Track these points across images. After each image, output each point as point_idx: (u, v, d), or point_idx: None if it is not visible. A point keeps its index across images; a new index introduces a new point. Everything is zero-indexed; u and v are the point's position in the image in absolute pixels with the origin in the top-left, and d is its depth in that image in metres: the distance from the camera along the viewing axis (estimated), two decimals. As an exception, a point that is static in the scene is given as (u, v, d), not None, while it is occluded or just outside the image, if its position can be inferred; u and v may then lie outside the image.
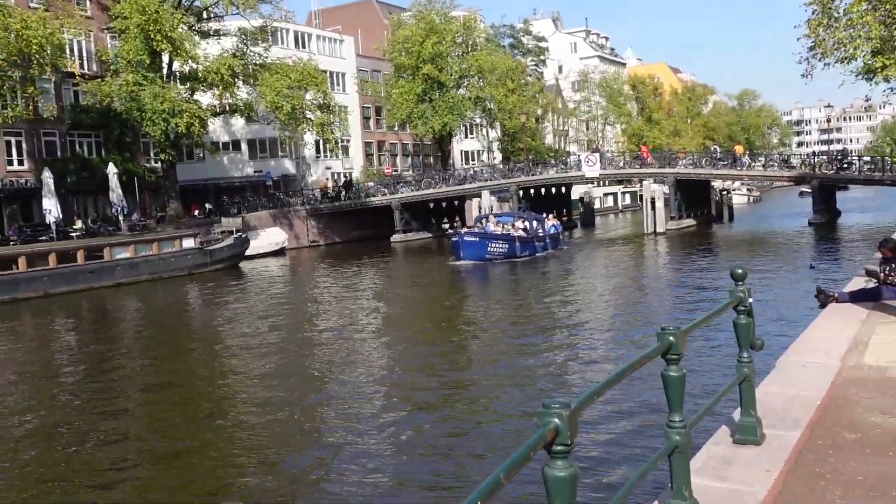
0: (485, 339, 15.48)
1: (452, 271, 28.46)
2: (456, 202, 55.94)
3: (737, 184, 70.76)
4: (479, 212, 47.29)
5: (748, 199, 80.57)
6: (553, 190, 56.07)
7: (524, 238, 31.98)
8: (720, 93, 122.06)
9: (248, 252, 40.17)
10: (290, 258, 43.77)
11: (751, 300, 4.36)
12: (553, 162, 53.28)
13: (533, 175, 49.88)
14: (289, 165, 55.55)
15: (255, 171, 54.05)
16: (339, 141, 52.67)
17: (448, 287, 23.93)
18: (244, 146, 54.59)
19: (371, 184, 53.32)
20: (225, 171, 53.58)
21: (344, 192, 51.63)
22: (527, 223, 32.99)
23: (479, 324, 16.94)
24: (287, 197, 50.88)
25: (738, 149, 49.35)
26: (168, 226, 40.96)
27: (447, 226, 54.85)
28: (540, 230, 33.56)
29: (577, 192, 61.84)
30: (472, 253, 29.84)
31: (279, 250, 45.23)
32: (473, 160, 72.87)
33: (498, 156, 75.60)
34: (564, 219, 55.77)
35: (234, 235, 39.94)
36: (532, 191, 52.39)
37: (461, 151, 72.95)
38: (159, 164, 44.47)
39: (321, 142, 52.87)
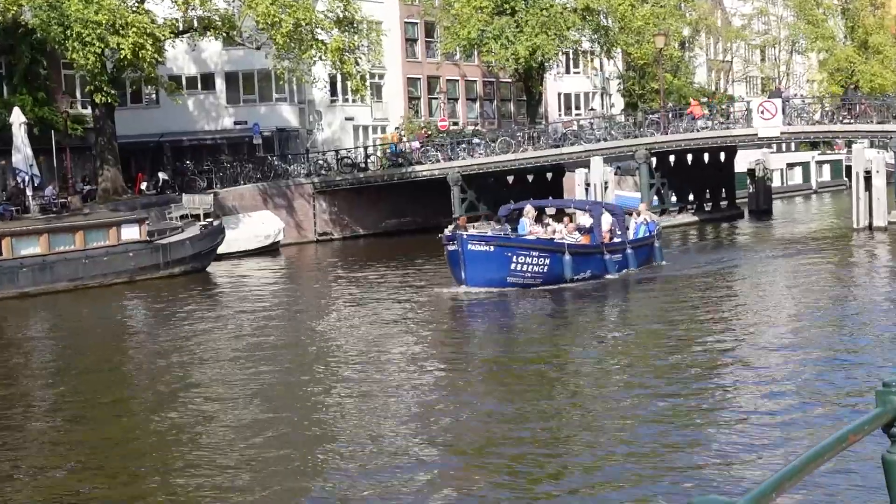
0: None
1: (440, 310, 26.53)
2: (549, 175, 55.70)
3: None
4: (587, 190, 46.98)
5: None
6: (705, 157, 55.36)
7: (581, 249, 29.35)
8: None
9: (222, 248, 40.63)
10: (286, 259, 44.19)
11: None
12: (707, 113, 52.60)
13: (674, 133, 49.34)
14: (288, 115, 56.15)
15: (235, 123, 54.73)
16: (369, 76, 52.88)
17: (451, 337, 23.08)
18: (220, 84, 55.32)
19: (415, 144, 53.42)
20: (190, 121, 54.33)
21: (370, 157, 51.96)
22: (592, 220, 30.28)
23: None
24: (284, 164, 51.42)
25: None
26: (101, 206, 41.47)
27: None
28: (615, 231, 30.93)
29: (743, 162, 60.98)
30: (482, 274, 27.23)
31: (271, 246, 45.74)
32: (578, 109, 72.55)
33: (618, 102, 74.99)
34: (723, 202, 55.08)
35: (202, 223, 40.47)
36: (672, 158, 51.74)
37: (559, 95, 72.74)
38: (90, 111, 45.22)
39: (339, 78, 53.04)
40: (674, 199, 51.63)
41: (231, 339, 22.72)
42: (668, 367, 17.56)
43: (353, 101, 57.25)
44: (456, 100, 66.65)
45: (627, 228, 32.08)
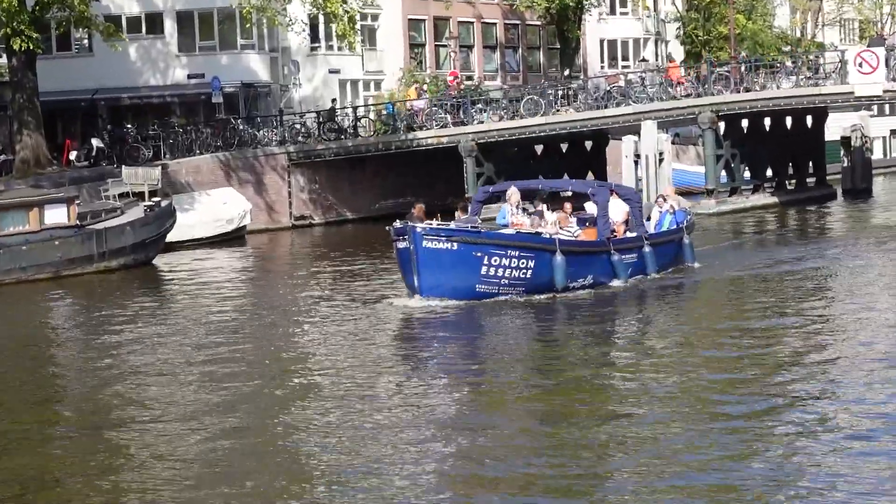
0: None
1: (381, 328, 25.03)
2: (589, 144, 55.28)
3: None
4: (637, 163, 46.61)
5: None
6: (788, 122, 54.91)
7: (579, 247, 28.20)
8: None
9: (172, 235, 40.45)
10: (254, 249, 44.03)
11: None
12: (789, 66, 52.15)
13: (748, 90, 48.95)
14: (256, 66, 55.96)
15: (189, 77, 54.59)
16: (359, 17, 52.47)
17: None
18: (170, 26, 55.13)
19: (418, 104, 53.12)
20: (131, 74, 54.15)
21: (356, 120, 51.96)
22: (598, 207, 28.62)
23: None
24: (252, 128, 51.23)
25: None
26: (18, 181, 41.24)
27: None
28: (633, 224, 29.39)
29: (836, 129, 60.42)
30: (442, 281, 26.02)
31: (235, 232, 45.66)
32: (626, 60, 72.08)
33: (677, 51, 74.52)
34: (810, 179, 54.62)
35: (147, 203, 40.30)
36: (745, 123, 51.29)
37: (601, 42, 72.33)
38: (4, 61, 44.93)
39: (321, 19, 52.64)
40: (747, 174, 51.32)
41: (178, 352, 22.49)
42: (704, 433, 15.87)
43: (340, 48, 56.97)
44: (470, 47, 66.34)
45: (649, 219, 31.01)
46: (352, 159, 51.15)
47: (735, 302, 27.00)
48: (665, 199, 32.40)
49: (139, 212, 38.86)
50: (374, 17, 60.90)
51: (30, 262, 34.85)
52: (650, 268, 29.47)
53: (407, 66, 61.58)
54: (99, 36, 47.34)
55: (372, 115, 53.73)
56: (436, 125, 51.01)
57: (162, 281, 36.04)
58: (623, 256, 28.76)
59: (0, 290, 33.29)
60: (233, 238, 45.07)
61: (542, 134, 50.59)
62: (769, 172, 52.93)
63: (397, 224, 26.46)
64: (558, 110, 50.43)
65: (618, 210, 29.41)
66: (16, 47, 41.56)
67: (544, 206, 29.99)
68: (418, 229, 25.87)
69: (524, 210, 29.14)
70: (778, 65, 54.18)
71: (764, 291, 27.97)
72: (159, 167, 45.31)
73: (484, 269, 26.27)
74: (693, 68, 55.92)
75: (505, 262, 26.52)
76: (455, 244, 26.12)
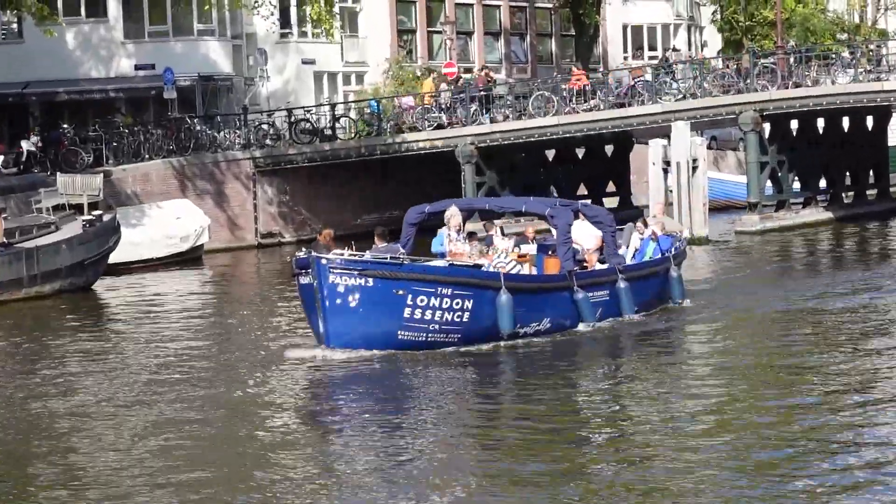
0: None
1: (273, 390, 23.27)
2: (610, 148, 55.34)
3: None
4: (666, 171, 46.56)
5: None
6: (845, 123, 54.99)
7: (531, 283, 27.12)
8: None
9: (116, 256, 40.46)
10: (213, 272, 44.17)
11: None
12: (846, 57, 52.19)
13: (797, 86, 48.99)
14: (216, 55, 56.18)
15: (137, 68, 54.83)
16: (337, -1, 52.62)
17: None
18: (114, 8, 55.30)
19: (407, 102, 53.13)
20: (68, 65, 54.32)
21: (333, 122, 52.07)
22: (557, 232, 27.44)
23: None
24: (211, 129, 51.34)
25: None
26: (-66, 190, 41.25)
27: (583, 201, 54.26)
28: (610, 251, 28.09)
29: (900, 130, 60.61)
30: (353, 327, 24.73)
31: (191, 252, 45.76)
32: (653, 49, 72.15)
33: (713, 40, 74.60)
34: (870, 191, 54.58)
35: (87, 217, 40.25)
36: (794, 124, 51.34)
37: (624, 28, 72.45)
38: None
39: (293, 1, 52.63)
40: (796, 185, 51.35)
41: (117, 394, 22.48)
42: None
43: (315, 35, 56.96)
44: (469, 34, 66.52)
45: (625, 246, 29.83)
46: (329, 166, 51.21)
47: (732, 353, 24.98)
48: (646, 224, 30.78)
49: (77, 227, 38.81)
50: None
51: (-53, 286, 34.88)
52: (626, 308, 27.98)
53: (394, 56, 61.68)
54: (30, 19, 47.22)
55: (353, 115, 53.77)
56: (429, 126, 51.06)
57: (103, 310, 35.97)
58: (590, 294, 27.26)
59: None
60: (188, 259, 45.13)
61: (553, 137, 50.69)
62: (822, 183, 53.03)
63: (300, 255, 24.97)
64: (573, 108, 50.42)
65: (589, 235, 28.44)
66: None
67: (499, 229, 29.36)
68: (323, 261, 24.40)
69: (470, 235, 27.96)
70: (833, 56, 54.12)
71: (776, 337, 26.56)
72: (101, 175, 45.30)
73: (407, 311, 24.78)
74: (733, 59, 55.86)
75: (435, 302, 24.94)
76: (370, 280, 24.64)
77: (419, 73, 59.65)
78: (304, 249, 25.09)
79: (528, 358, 25.15)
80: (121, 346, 28.79)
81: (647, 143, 49.26)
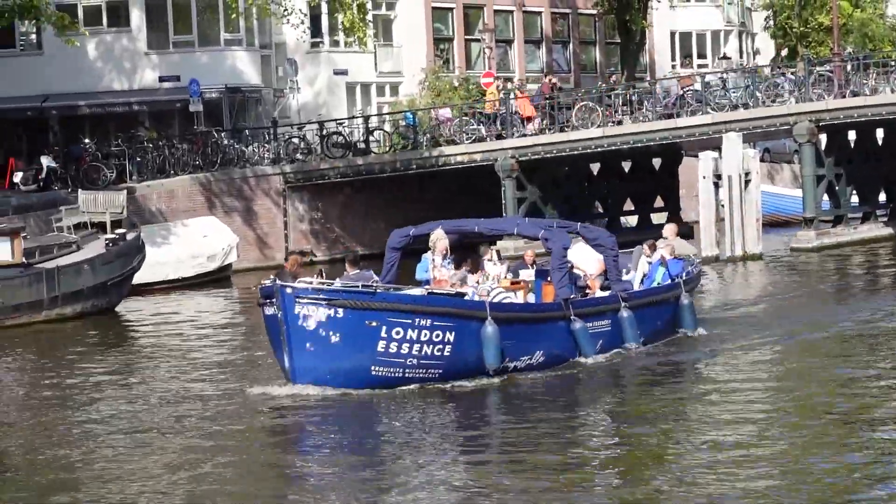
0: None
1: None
2: (658, 162, 55.15)
3: None
4: (717, 185, 46.37)
5: None
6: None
7: (521, 314, 26.01)
8: None
9: (141, 276, 40.61)
10: (241, 293, 43.93)
11: None
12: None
13: (855, 95, 48.74)
14: (245, 66, 56.16)
15: (162, 80, 54.88)
16: (371, 5, 52.59)
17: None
18: (137, 18, 55.38)
19: (445, 114, 53.11)
20: (90, 77, 54.41)
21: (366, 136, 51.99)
22: (553, 255, 26.18)
23: None
24: (239, 143, 51.41)
25: None
26: (-50, 208, 41.38)
27: (631, 216, 54.06)
28: (605, 277, 27.23)
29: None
30: (322, 362, 23.69)
31: (218, 272, 45.83)
32: (703, 57, 71.97)
33: (766, 46, 74.33)
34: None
35: (110, 236, 40.21)
36: (852, 135, 51.10)
37: (672, 35, 72.27)
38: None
39: (324, 8, 52.68)
40: (854, 199, 51.06)
41: (143, 421, 22.51)
42: None
43: (347, 45, 56.86)
44: (509, 42, 66.50)
45: (634, 271, 28.98)
46: (363, 181, 51.35)
47: (748, 388, 23.65)
48: (654, 247, 29.65)
49: (99, 247, 38.85)
50: (390, 6, 61.09)
51: (-37, 308, 34.99)
52: (630, 338, 27.01)
53: (430, 65, 61.63)
54: (50, 29, 47.42)
55: (387, 127, 53.73)
56: (467, 139, 51.01)
57: (127, 332, 36.02)
58: (589, 323, 26.25)
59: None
60: (216, 279, 45.24)
61: (598, 150, 50.57)
62: (882, 197, 52.70)
63: (265, 283, 23.98)
64: (619, 120, 50.32)
65: (591, 260, 27.62)
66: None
67: (494, 253, 28.51)
68: (288, 290, 23.25)
69: (463, 261, 27.05)
70: (892, 63, 53.96)
71: (800, 374, 24.96)
72: (124, 191, 45.38)
73: (382, 344, 23.60)
74: (787, 67, 55.68)
75: (412, 334, 23.76)
76: (340, 310, 23.42)
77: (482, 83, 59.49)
78: (271, 277, 24.04)
79: (515, 395, 24.08)
80: (143, 371, 28.74)
81: (696, 156, 49.18)
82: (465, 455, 19.31)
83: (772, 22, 75.10)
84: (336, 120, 54.67)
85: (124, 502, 17.54)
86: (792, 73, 53.05)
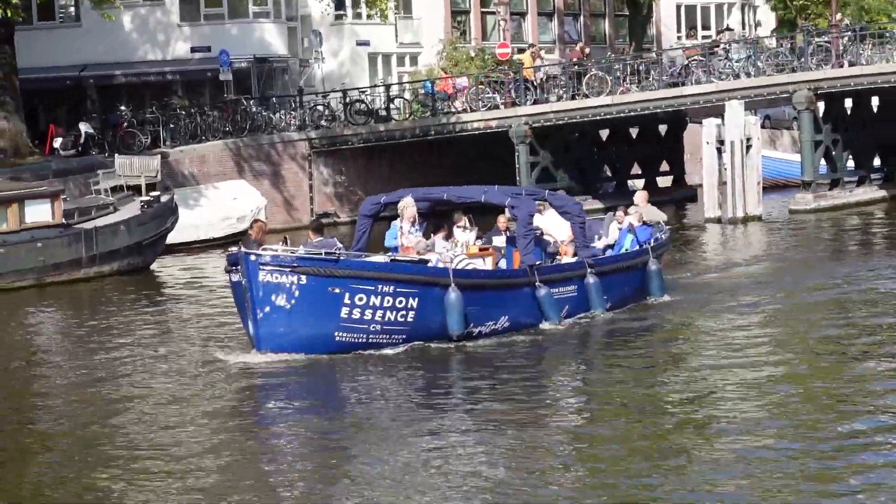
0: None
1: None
2: (664, 128, 55.48)
3: None
4: (720, 150, 46.43)
5: None
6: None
7: (484, 280, 25.21)
8: None
9: (174, 236, 40.81)
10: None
11: None
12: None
13: (852, 65, 48.78)
14: (272, 38, 56.25)
15: (193, 51, 55.00)
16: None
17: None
18: (171, -8, 55.61)
19: (461, 82, 53.31)
20: (126, 48, 54.59)
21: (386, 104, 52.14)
22: (518, 223, 25.56)
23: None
24: (267, 110, 51.54)
25: None
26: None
27: (638, 180, 54.12)
28: (582, 243, 26.31)
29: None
30: (287, 328, 22.95)
31: (246, 232, 45.53)
32: (707, 29, 71.80)
33: (767, 19, 74.14)
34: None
35: (145, 198, 40.45)
36: (848, 103, 51.06)
37: (678, 8, 72.06)
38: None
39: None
40: (851, 164, 51.06)
41: (179, 374, 22.60)
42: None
43: (369, 17, 56.99)
44: (522, 15, 66.35)
45: (605, 237, 28.15)
46: (384, 147, 51.49)
47: (712, 353, 23.00)
48: (626, 213, 28.58)
49: (135, 208, 38.99)
50: (410, -20, 61.01)
51: (7, 267, 35.06)
52: (596, 304, 26.15)
53: (448, 37, 61.57)
54: (88, 3, 47.60)
55: (407, 95, 53.80)
56: (482, 106, 51.11)
57: (161, 289, 36.24)
58: (554, 290, 25.34)
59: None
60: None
61: (607, 116, 50.62)
62: (877, 161, 52.68)
63: (232, 249, 23.53)
64: (627, 88, 50.40)
65: (563, 226, 26.85)
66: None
67: (466, 219, 27.07)
68: (252, 258, 22.48)
69: (436, 229, 26.32)
70: (887, 34, 53.83)
71: (765, 336, 24.25)
72: (158, 156, 45.65)
73: (345, 310, 22.91)
74: (787, 38, 55.59)
75: (375, 300, 23.04)
76: (303, 277, 22.67)
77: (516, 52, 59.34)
78: (239, 245, 23.35)
79: (479, 361, 23.19)
80: (184, 324, 28.98)
81: (700, 123, 49.20)
82: (431, 415, 18.85)
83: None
84: (359, 88, 54.87)
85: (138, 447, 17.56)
86: (791, 44, 52.90)
